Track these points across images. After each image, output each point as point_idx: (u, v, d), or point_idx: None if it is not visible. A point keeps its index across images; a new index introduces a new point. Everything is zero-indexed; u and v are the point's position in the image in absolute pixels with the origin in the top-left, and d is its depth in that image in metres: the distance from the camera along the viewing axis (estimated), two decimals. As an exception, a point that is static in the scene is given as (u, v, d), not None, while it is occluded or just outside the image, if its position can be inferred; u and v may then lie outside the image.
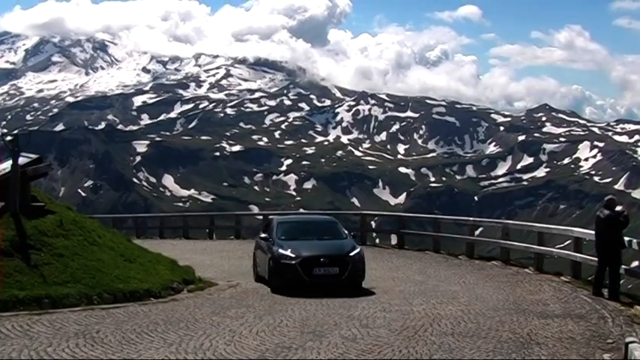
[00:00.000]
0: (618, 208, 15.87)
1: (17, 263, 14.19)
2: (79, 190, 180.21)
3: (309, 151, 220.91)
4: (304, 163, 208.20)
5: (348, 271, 16.65)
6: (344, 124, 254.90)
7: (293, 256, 16.70)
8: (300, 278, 16.48)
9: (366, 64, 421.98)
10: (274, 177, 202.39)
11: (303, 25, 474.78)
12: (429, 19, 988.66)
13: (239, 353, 10.81)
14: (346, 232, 18.61)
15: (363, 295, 16.19)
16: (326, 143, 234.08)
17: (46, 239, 15.47)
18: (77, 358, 10.19)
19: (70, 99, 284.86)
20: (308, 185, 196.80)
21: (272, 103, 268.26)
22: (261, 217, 44.02)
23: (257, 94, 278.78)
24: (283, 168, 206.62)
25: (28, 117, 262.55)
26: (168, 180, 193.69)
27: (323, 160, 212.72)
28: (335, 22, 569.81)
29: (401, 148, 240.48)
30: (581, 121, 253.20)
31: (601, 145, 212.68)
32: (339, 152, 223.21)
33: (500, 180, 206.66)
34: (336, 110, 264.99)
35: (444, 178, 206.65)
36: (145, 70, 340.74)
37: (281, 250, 16.98)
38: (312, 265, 16.58)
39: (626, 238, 15.86)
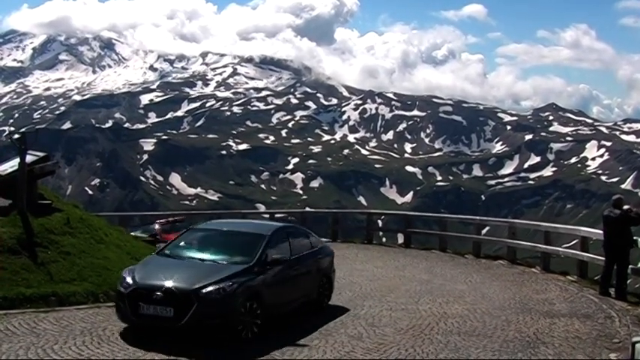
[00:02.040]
0: (626, 207, 15.85)
1: (24, 261, 14.21)
2: (86, 188, 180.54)
3: (316, 149, 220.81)
4: (311, 161, 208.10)
5: (190, 315, 10.91)
6: (351, 123, 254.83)
7: (130, 282, 11.65)
8: (127, 315, 11.50)
9: (372, 62, 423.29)
10: (281, 175, 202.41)
11: (310, 24, 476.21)
12: (435, 18, 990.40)
13: (244, 352, 10.82)
14: (275, 253, 12.73)
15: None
16: (333, 142, 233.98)
17: (53, 237, 15.48)
18: (83, 356, 10.20)
19: (77, 97, 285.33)
20: (315, 184, 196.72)
21: (279, 101, 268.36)
22: (267, 215, 44.04)
23: (264, 93, 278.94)
24: (290, 166, 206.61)
25: (36, 115, 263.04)
26: (174, 178, 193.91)
27: (330, 158, 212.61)
28: (342, 21, 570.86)
29: (408, 146, 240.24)
30: (589, 121, 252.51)
31: (608, 144, 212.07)
32: (346, 151, 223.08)
33: (506, 179, 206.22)
34: (343, 109, 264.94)
35: (450, 177, 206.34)
36: (151, 68, 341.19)
37: (124, 274, 12.10)
38: (139, 299, 11.31)
39: (635, 237, 15.81)
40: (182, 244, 13.28)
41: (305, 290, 13.61)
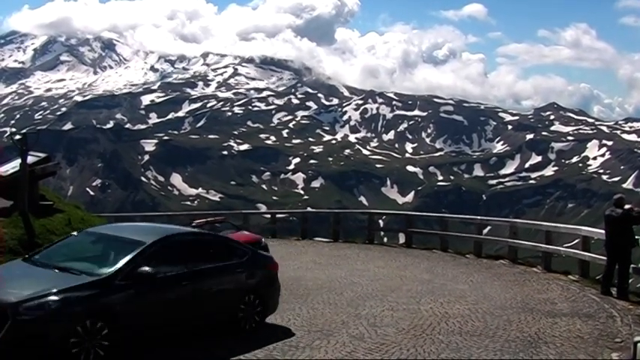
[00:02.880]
0: (627, 206, 15.84)
1: (26, 262, 14.22)
2: (87, 189, 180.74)
3: (317, 149, 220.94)
4: (312, 161, 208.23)
5: (5, 332, 9.17)
6: (352, 123, 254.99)
7: None
8: None
9: (373, 62, 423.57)
10: (282, 176, 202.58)
11: (310, 24, 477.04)
12: (434, 18, 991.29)
13: (246, 352, 10.83)
14: (153, 264, 10.68)
15: (370, 295, 16.16)
16: (334, 142, 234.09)
17: (54, 238, 15.47)
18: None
19: (79, 98, 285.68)
20: (316, 184, 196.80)
21: (279, 101, 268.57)
22: (269, 215, 43.91)
23: (264, 93, 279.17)
24: (291, 167, 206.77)
25: (37, 116, 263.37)
26: (176, 179, 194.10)
27: (331, 158, 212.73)
28: (342, 21, 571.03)
29: (409, 146, 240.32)
30: (590, 120, 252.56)
31: (609, 143, 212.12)
32: (347, 151, 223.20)
33: (508, 179, 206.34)
34: (344, 109, 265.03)
35: (451, 177, 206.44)
36: (152, 69, 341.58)
37: None
38: None
39: (637, 237, 15.79)
40: (56, 248, 11.59)
41: (212, 309, 11.54)
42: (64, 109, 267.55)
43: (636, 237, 15.69)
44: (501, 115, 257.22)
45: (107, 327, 9.77)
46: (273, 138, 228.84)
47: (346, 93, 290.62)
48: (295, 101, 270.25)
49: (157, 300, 10.66)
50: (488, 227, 42.88)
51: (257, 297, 12.31)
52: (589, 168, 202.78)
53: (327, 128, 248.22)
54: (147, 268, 10.47)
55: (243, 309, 12.03)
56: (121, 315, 10.00)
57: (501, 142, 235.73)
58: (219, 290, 11.72)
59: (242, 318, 12.00)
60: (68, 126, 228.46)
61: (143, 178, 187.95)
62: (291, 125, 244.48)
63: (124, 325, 10.00)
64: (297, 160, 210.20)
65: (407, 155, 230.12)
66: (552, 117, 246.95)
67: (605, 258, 16.37)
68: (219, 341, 11.30)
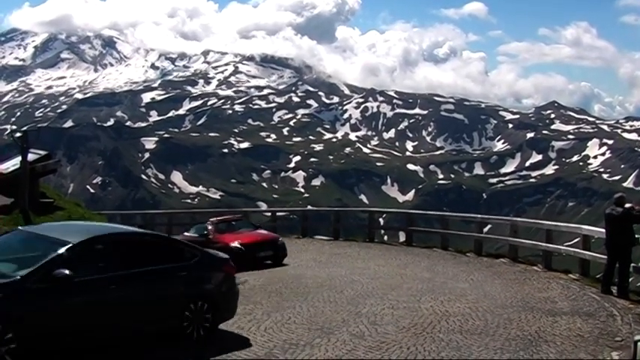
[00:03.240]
0: (627, 205, 15.83)
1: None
2: (88, 187, 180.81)
3: (318, 148, 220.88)
4: (312, 160, 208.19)
5: None
6: (352, 121, 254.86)
7: None
8: None
9: (373, 60, 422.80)
10: (282, 174, 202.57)
11: (311, 22, 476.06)
12: (435, 16, 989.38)
13: (247, 350, 10.83)
14: (76, 267, 9.79)
15: (370, 293, 16.16)
16: (334, 140, 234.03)
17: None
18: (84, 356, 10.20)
19: (79, 95, 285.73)
20: (316, 182, 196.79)
21: (280, 100, 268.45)
22: (269, 213, 43.97)
23: (265, 91, 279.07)
24: (291, 165, 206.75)
25: (37, 113, 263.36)
26: (176, 176, 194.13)
27: (331, 157, 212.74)
28: (343, 19, 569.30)
29: (409, 145, 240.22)
30: (590, 119, 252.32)
31: (610, 142, 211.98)
32: (348, 149, 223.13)
33: (508, 177, 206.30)
34: (345, 107, 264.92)
35: (452, 175, 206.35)
36: (153, 66, 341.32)
37: None
38: None
39: (637, 235, 15.78)
40: None
41: (146, 317, 10.57)
42: (64, 106, 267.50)
43: (637, 236, 15.69)
44: (502, 113, 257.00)
45: (12, 333, 9.03)
46: (273, 136, 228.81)
47: (347, 91, 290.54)
48: (296, 99, 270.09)
49: (75, 306, 9.78)
50: (489, 226, 42.87)
51: (207, 303, 11.26)
52: (589, 167, 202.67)
53: (328, 126, 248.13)
54: (65, 271, 9.53)
55: (189, 316, 11.01)
56: (29, 321, 9.26)
57: (502, 141, 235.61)
58: (157, 295, 10.70)
59: (188, 326, 10.99)
60: (69, 124, 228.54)
61: (143, 176, 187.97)
62: (291, 123, 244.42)
63: (31, 332, 9.25)
64: (298, 158, 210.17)
65: (407, 153, 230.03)
66: (553, 116, 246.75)
67: (605, 257, 16.37)
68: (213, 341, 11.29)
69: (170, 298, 10.82)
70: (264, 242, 23.15)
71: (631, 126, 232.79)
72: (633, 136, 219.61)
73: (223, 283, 11.74)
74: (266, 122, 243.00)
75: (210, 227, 24.20)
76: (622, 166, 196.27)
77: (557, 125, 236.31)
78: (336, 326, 12.44)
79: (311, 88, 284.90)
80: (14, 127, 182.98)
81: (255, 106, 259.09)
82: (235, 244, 22.52)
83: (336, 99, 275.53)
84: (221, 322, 11.71)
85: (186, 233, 25.38)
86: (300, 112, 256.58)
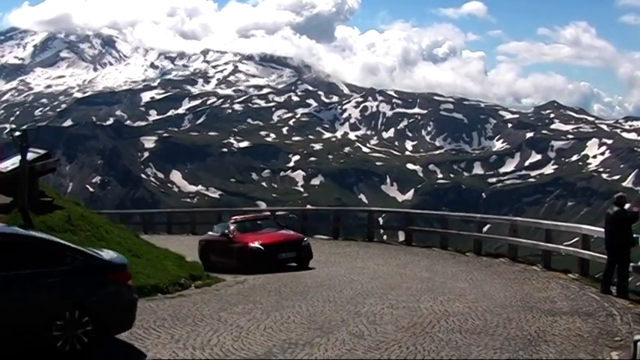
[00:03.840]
0: (627, 205, 15.83)
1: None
2: (87, 186, 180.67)
3: (317, 147, 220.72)
4: (312, 159, 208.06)
5: None
6: (352, 121, 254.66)
7: None
8: None
9: (373, 60, 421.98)
10: (282, 173, 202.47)
11: (310, 22, 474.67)
12: (434, 16, 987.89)
13: (246, 349, 10.83)
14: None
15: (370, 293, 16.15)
16: (334, 139, 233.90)
17: (54, 234, 15.47)
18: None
19: (78, 95, 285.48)
20: (315, 182, 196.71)
21: (279, 99, 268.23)
22: (269, 212, 43.96)
23: (265, 90, 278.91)
24: (291, 164, 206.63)
25: (37, 112, 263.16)
26: (175, 176, 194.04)
27: (330, 156, 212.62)
28: (342, 19, 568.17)
29: (409, 144, 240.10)
30: (590, 118, 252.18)
31: (609, 142, 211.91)
32: (347, 148, 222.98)
33: (507, 177, 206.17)
34: (344, 106, 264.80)
35: (451, 175, 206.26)
36: (152, 66, 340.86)
37: None
38: None
39: (635, 235, 15.77)
40: None
41: (8, 327, 9.32)
42: (63, 105, 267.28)
43: (635, 235, 15.68)
44: (501, 113, 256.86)
45: None
46: (273, 135, 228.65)
47: (346, 91, 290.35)
48: (295, 99, 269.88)
49: None
50: (488, 225, 42.87)
51: (86, 313, 9.98)
52: (589, 166, 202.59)
53: (327, 126, 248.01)
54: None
55: (61, 327, 9.73)
56: None
57: (501, 141, 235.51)
58: (22, 303, 9.46)
59: (59, 337, 9.71)
60: (68, 123, 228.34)
61: (143, 175, 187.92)
62: (291, 123, 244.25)
63: None
64: (297, 157, 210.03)
65: (407, 153, 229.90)
66: (552, 115, 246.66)
67: (605, 256, 16.37)
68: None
69: (34, 308, 9.51)
70: (285, 243, 22.16)
71: (630, 126, 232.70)
72: (632, 135, 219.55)
73: (109, 291, 10.36)
74: (265, 121, 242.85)
75: (231, 226, 23.24)
76: (621, 165, 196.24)
77: (557, 125, 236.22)
78: (336, 326, 12.43)
79: (310, 88, 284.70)
80: (13, 126, 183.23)
81: (255, 106, 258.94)
82: (255, 244, 21.75)
83: (335, 98, 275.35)
84: (108, 335, 10.47)
85: (210, 232, 24.99)
86: (300, 111, 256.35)
